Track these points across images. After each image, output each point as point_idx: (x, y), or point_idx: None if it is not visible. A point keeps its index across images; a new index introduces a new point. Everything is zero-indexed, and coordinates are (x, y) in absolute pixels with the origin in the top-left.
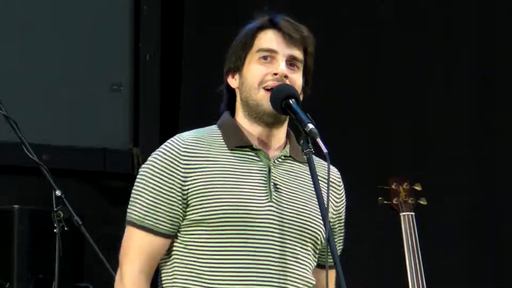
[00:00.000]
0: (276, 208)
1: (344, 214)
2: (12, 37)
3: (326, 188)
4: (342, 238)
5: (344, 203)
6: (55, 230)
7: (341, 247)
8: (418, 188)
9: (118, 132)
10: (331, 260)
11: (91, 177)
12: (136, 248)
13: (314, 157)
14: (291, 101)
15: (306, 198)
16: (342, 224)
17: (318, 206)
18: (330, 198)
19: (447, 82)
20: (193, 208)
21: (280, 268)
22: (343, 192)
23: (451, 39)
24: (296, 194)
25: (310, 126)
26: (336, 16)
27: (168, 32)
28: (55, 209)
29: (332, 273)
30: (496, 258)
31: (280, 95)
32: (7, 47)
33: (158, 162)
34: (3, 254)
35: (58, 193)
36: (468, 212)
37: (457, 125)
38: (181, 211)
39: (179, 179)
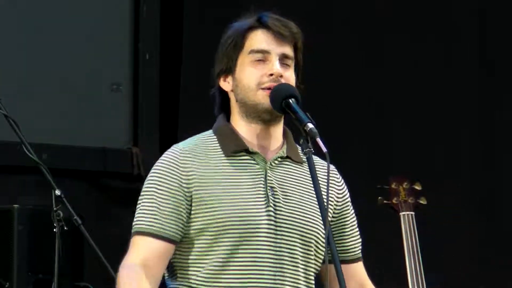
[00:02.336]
0: (274, 213)
1: (349, 201)
2: (12, 37)
3: (325, 188)
4: (356, 229)
5: (347, 193)
6: (54, 230)
7: (359, 239)
8: (418, 187)
9: (117, 131)
10: (352, 254)
11: (91, 176)
12: (140, 249)
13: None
14: (290, 101)
15: (304, 199)
16: (353, 214)
17: (317, 206)
18: (330, 196)
19: (447, 82)
20: (196, 216)
21: (281, 273)
22: (343, 183)
23: (452, 39)
24: (294, 196)
25: (310, 125)
26: (336, 16)
27: (168, 32)
28: (54, 208)
29: (353, 267)
30: (497, 258)
31: (280, 95)
32: (7, 47)
33: (160, 172)
34: (3, 254)
35: (57, 192)
36: (468, 211)
37: (457, 124)
38: (185, 217)
39: (182, 187)
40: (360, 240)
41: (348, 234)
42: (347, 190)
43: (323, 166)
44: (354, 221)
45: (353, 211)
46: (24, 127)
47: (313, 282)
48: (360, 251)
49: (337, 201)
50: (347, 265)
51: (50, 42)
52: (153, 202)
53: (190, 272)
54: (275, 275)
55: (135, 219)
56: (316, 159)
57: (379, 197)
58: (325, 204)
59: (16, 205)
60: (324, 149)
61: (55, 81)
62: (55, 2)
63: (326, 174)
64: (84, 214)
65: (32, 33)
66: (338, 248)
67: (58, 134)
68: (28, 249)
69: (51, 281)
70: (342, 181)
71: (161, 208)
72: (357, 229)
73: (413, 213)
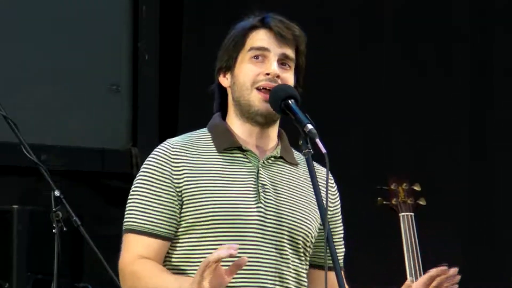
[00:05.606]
0: (265, 210)
1: (340, 211)
2: (12, 37)
3: (324, 189)
4: (341, 238)
5: (339, 202)
6: (54, 231)
7: (342, 249)
8: (417, 188)
9: (117, 132)
10: (330, 261)
11: (90, 177)
12: (137, 247)
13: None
14: (290, 102)
15: (295, 199)
16: (341, 223)
17: (308, 207)
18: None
19: (447, 82)
20: (186, 211)
21: (271, 269)
22: (337, 191)
23: (451, 38)
24: (285, 195)
25: (309, 126)
26: (335, 15)
27: (167, 32)
28: (54, 209)
29: (329, 275)
30: (496, 258)
31: (279, 96)
32: (6, 47)
33: (151, 167)
34: (2, 254)
35: (57, 193)
36: (467, 212)
37: (457, 125)
38: (178, 212)
39: (173, 182)
40: (343, 250)
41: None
42: (339, 200)
43: (320, 171)
44: (340, 231)
45: (341, 221)
46: (23, 128)
47: (305, 281)
48: (341, 260)
49: (329, 208)
50: (327, 272)
51: (49, 42)
52: (145, 198)
53: (179, 269)
54: (266, 272)
55: (126, 216)
56: (314, 164)
57: (379, 198)
58: (324, 205)
59: (16, 206)
60: (324, 150)
61: (54, 82)
62: (54, 2)
63: (323, 178)
64: (83, 215)
65: (31, 33)
66: (320, 254)
67: (57, 135)
68: (27, 250)
69: (50, 281)
70: (336, 191)
71: (154, 204)
72: (342, 239)
73: (412, 214)
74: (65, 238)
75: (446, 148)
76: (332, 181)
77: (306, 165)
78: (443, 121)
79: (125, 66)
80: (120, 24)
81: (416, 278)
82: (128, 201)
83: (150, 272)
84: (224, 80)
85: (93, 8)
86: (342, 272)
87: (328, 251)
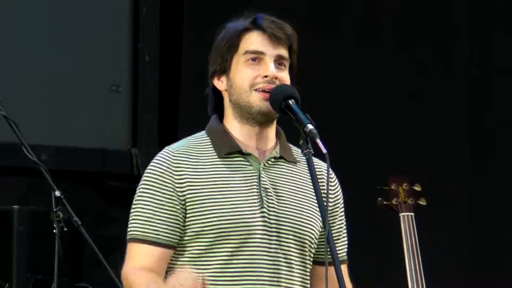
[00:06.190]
0: (268, 214)
1: (342, 204)
2: (12, 37)
3: (324, 188)
4: (344, 232)
5: (340, 195)
6: (54, 231)
7: (345, 242)
8: (417, 188)
9: (117, 132)
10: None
11: (90, 177)
12: (139, 256)
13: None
14: (290, 102)
15: (297, 199)
16: (342, 216)
17: (311, 206)
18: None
19: (447, 82)
20: (192, 220)
21: (274, 275)
22: (337, 184)
23: (451, 38)
24: (287, 196)
25: (310, 126)
26: (335, 15)
27: (167, 32)
28: (54, 209)
29: (330, 270)
30: (496, 258)
31: (280, 96)
32: (6, 47)
33: (153, 176)
34: (3, 255)
35: (57, 193)
36: (467, 212)
37: (457, 125)
38: (181, 220)
39: (176, 190)
40: (346, 244)
41: (333, 236)
42: (341, 194)
43: (320, 167)
44: (342, 224)
45: (343, 215)
46: (24, 128)
47: (308, 282)
48: (344, 255)
49: (330, 203)
50: (328, 267)
51: (50, 43)
52: (147, 207)
53: None
54: (270, 277)
55: (130, 225)
56: (314, 160)
57: (379, 198)
58: (325, 204)
59: (16, 206)
60: (324, 150)
61: (55, 82)
62: (54, 2)
63: (323, 174)
64: (84, 215)
65: (31, 33)
66: (321, 250)
67: (57, 134)
68: (28, 250)
69: (51, 281)
70: (337, 183)
71: (156, 213)
72: (344, 233)
73: (413, 214)
74: (66, 238)
75: (446, 148)
76: (332, 174)
77: (305, 162)
78: (443, 121)
79: (125, 66)
80: (120, 24)
81: (417, 279)
82: (131, 210)
83: (141, 283)
84: (220, 84)
85: (93, 8)
86: (345, 266)
87: (328, 251)
